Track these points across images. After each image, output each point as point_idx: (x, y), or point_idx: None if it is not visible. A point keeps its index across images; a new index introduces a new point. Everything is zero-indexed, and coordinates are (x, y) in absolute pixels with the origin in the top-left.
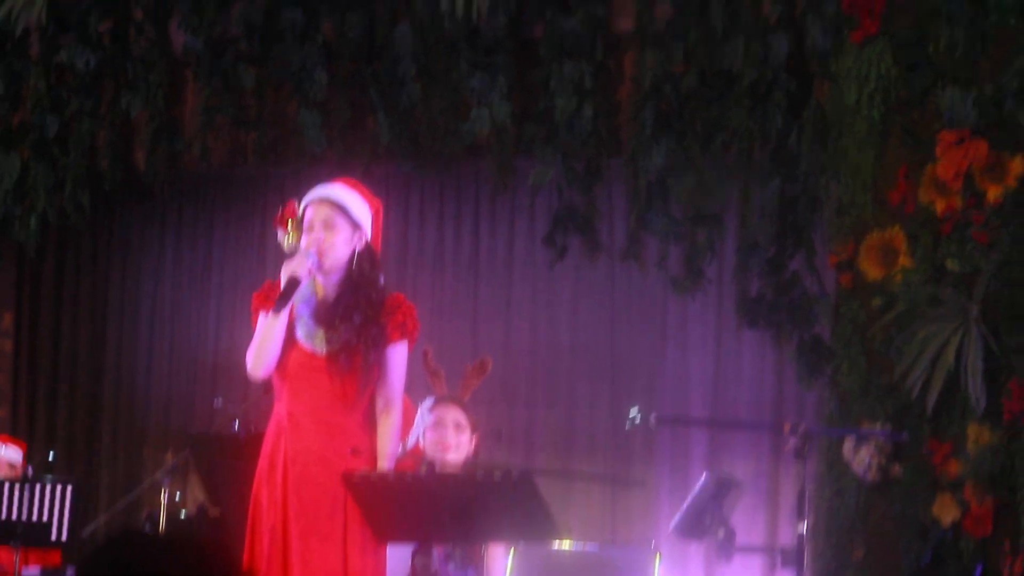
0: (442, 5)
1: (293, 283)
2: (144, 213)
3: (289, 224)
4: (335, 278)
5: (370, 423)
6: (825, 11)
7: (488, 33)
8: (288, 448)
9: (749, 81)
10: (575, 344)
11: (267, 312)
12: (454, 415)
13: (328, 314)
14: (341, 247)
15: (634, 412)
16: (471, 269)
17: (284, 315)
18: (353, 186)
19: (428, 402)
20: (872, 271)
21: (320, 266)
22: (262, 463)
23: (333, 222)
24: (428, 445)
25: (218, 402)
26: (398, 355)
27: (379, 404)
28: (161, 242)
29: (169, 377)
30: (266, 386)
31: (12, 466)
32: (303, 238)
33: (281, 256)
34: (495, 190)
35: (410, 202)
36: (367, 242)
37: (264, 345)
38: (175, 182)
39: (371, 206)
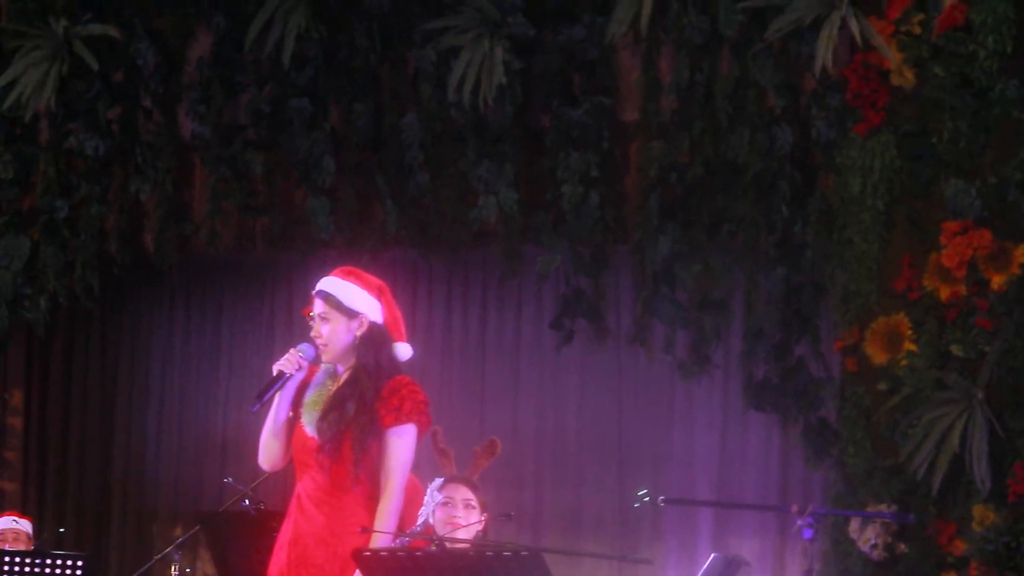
0: (449, 95)
1: (276, 378)
2: (153, 295)
3: (308, 317)
4: (344, 366)
5: (373, 504)
6: (829, 104)
7: (495, 122)
8: (295, 530)
9: (754, 172)
10: (582, 426)
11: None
12: (464, 494)
13: (330, 402)
14: (337, 337)
15: (642, 493)
16: (479, 353)
17: (277, 409)
18: (347, 274)
19: (438, 482)
20: (877, 356)
21: (321, 358)
22: (276, 543)
23: (327, 314)
24: (438, 523)
25: (228, 481)
26: (397, 439)
27: (381, 485)
28: (170, 324)
29: (178, 455)
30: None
31: (29, 538)
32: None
33: (291, 341)
34: (503, 276)
35: (418, 287)
36: (370, 326)
37: (264, 438)
38: (184, 265)
39: (371, 289)
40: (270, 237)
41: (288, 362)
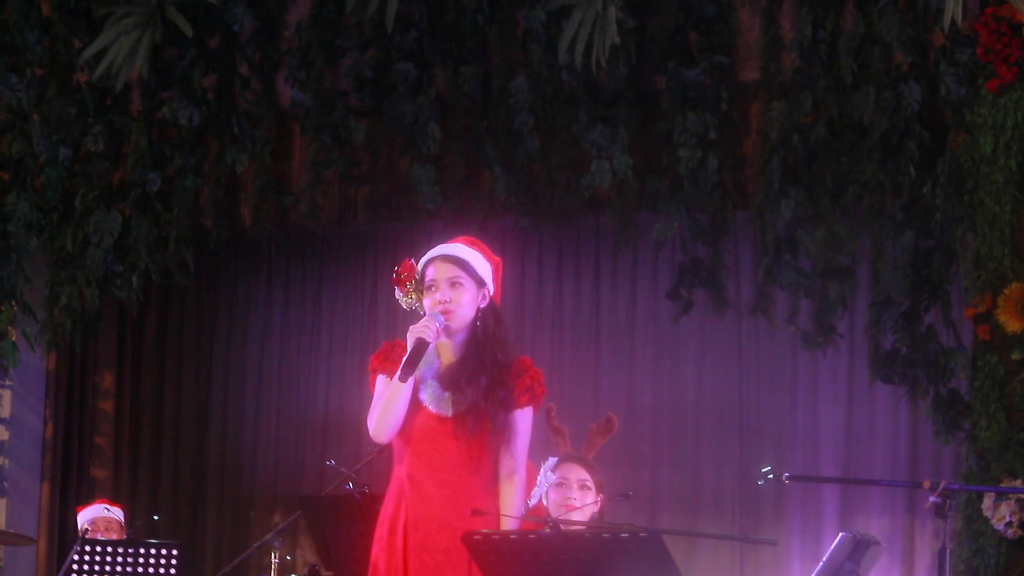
0: (560, 57)
1: (421, 347)
2: (250, 270)
3: (408, 284)
4: (459, 339)
5: (493, 486)
6: (959, 59)
7: (608, 84)
8: (410, 513)
9: (880, 132)
10: (701, 401)
11: (387, 375)
12: (579, 474)
13: (455, 376)
14: (467, 306)
15: (766, 470)
16: (592, 326)
17: (411, 380)
18: (473, 244)
19: (551, 461)
20: (1011, 324)
21: (447, 327)
22: (381, 527)
23: (459, 281)
24: (552, 505)
25: (330, 463)
26: (524, 420)
27: (503, 469)
28: (268, 300)
29: (277, 437)
30: (380, 446)
31: (121, 526)
32: (426, 299)
33: (395, 315)
34: (617, 245)
35: (527, 258)
36: (491, 300)
37: (390, 409)
38: (282, 238)
39: (491, 263)
40: (373, 208)
41: (427, 329)
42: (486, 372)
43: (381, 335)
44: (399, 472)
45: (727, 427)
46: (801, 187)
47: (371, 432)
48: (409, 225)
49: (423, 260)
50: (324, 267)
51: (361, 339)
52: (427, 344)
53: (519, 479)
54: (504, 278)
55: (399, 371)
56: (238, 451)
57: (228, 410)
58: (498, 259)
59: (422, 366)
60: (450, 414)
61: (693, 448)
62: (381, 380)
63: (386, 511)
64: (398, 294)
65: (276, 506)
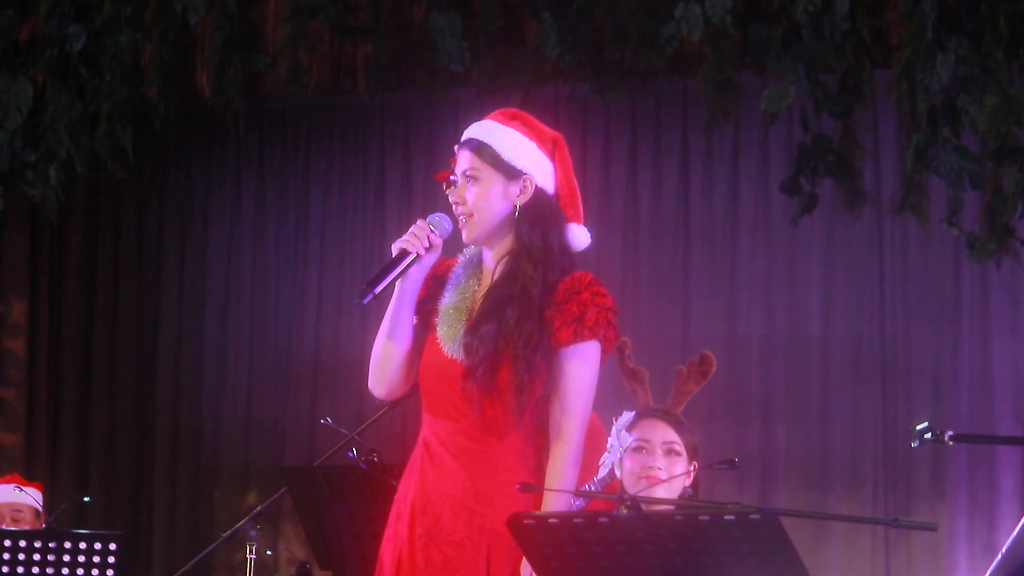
0: None
1: (397, 259)
2: (211, 159)
3: (446, 181)
4: (499, 251)
5: (539, 452)
6: None
7: None
8: (420, 490)
9: None
10: (829, 334)
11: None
12: (664, 434)
13: (474, 308)
14: (495, 204)
15: (922, 427)
16: (678, 230)
17: (398, 308)
18: (511, 118)
19: (626, 417)
20: None
21: (466, 237)
22: (393, 509)
23: (477, 170)
24: (627, 476)
25: (326, 421)
26: (578, 361)
27: (551, 426)
28: (235, 200)
29: (250, 388)
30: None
31: (37, 513)
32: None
33: (411, 219)
34: (711, 120)
35: (589, 139)
36: (537, 193)
37: (379, 351)
38: (254, 115)
39: (538, 140)
40: (377, 71)
41: (414, 237)
42: (516, 301)
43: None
44: (423, 434)
45: (865, 369)
46: (964, 36)
47: (368, 383)
48: (427, 96)
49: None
50: (312, 154)
51: (364, 252)
52: (406, 256)
53: (566, 443)
54: None
55: (360, 289)
56: (197, 407)
57: (182, 352)
58: (555, 135)
59: (457, 293)
60: (461, 359)
61: (819, 398)
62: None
63: (402, 487)
64: (448, 192)
65: (250, 482)
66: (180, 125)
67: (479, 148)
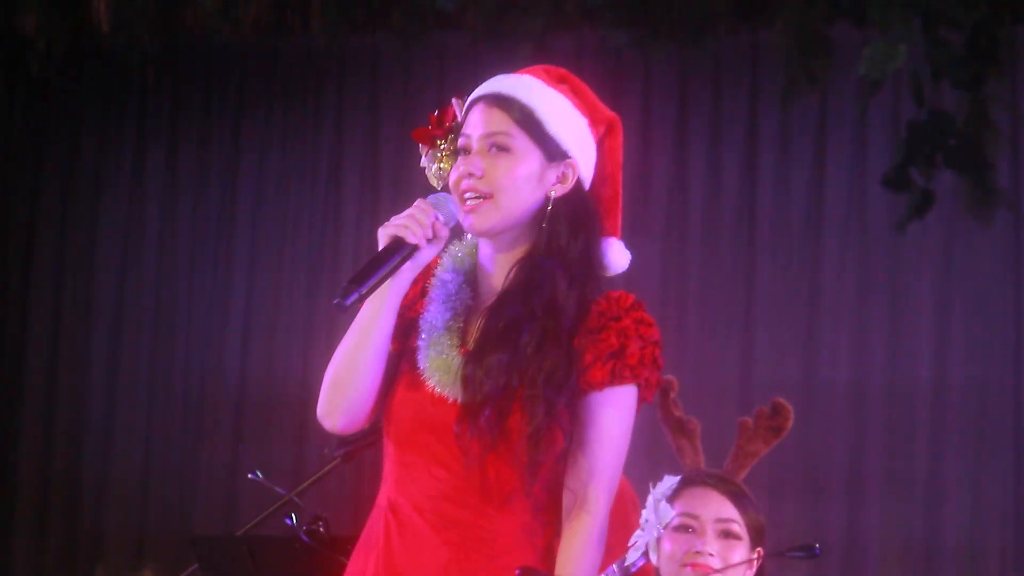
0: None
1: (391, 249)
2: (108, 115)
3: (441, 142)
4: (514, 252)
5: (548, 529)
6: None
7: None
8: (385, 572)
9: None
10: (944, 381)
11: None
12: (718, 509)
13: (485, 326)
14: (524, 188)
15: None
16: (740, 236)
17: (376, 317)
18: (561, 80)
19: (667, 484)
20: None
21: (474, 225)
22: None
23: (509, 139)
24: (667, 563)
25: (255, 476)
26: (612, 408)
27: (567, 493)
28: (138, 168)
29: (149, 427)
30: (344, 445)
31: None
32: (456, 167)
33: (395, 202)
34: (790, 86)
35: (622, 108)
36: (577, 185)
37: (346, 364)
38: (170, 59)
39: (597, 119)
40: (338, 6)
41: (415, 223)
42: (535, 324)
43: (355, 236)
44: (384, 495)
45: (992, 429)
46: None
47: (318, 408)
48: (404, 40)
49: (469, 101)
50: (245, 112)
51: (313, 244)
52: (404, 247)
53: (597, 515)
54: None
55: (342, 288)
56: (75, 455)
57: (58, 380)
58: (611, 114)
59: (446, 307)
60: (457, 399)
61: (928, 466)
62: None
63: (356, 566)
64: (424, 160)
65: (146, 556)
66: (67, 68)
67: (516, 108)
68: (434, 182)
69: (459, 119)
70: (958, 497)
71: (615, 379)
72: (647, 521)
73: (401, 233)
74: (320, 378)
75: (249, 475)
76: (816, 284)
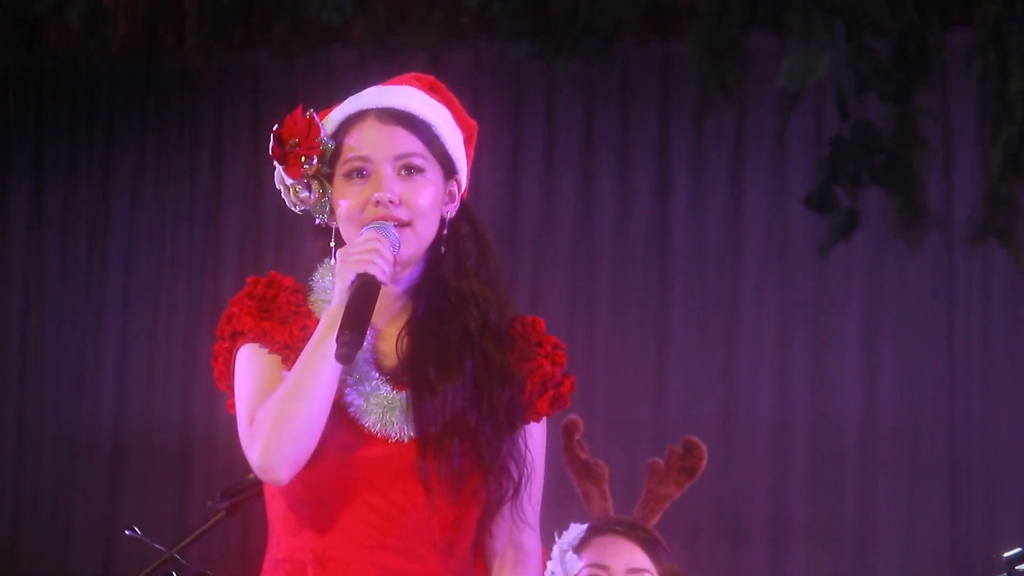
0: None
1: (368, 291)
2: None
3: (304, 160)
4: (410, 280)
5: (484, 571)
6: None
7: None
8: None
9: None
10: (872, 416)
11: (268, 346)
12: (629, 558)
13: (415, 358)
14: (436, 213)
15: (1013, 554)
16: (651, 259)
17: (322, 365)
18: (432, 88)
19: (574, 533)
20: None
21: (400, 253)
22: None
23: (418, 164)
24: None
25: (132, 532)
26: (540, 436)
27: (497, 538)
28: (1, 194)
29: (19, 474)
30: (235, 490)
31: None
32: (342, 195)
33: (268, 231)
34: (703, 100)
35: (525, 124)
36: (462, 203)
37: (301, 412)
38: (31, 79)
39: (464, 129)
40: (215, 22)
41: (378, 256)
42: (474, 348)
43: (238, 272)
44: (291, 549)
45: (926, 468)
46: None
47: (256, 459)
48: (290, 57)
49: (339, 113)
50: (115, 137)
51: (192, 279)
52: (378, 285)
53: (534, 558)
54: (476, 159)
55: (338, 339)
56: None
57: None
58: (473, 122)
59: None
60: (408, 437)
61: (856, 509)
62: (254, 357)
63: None
64: (282, 179)
65: None
66: None
67: (420, 126)
68: (294, 206)
69: (322, 133)
70: (889, 539)
71: (553, 407)
72: (552, 574)
73: (372, 270)
74: (202, 426)
75: (127, 531)
76: (734, 313)
